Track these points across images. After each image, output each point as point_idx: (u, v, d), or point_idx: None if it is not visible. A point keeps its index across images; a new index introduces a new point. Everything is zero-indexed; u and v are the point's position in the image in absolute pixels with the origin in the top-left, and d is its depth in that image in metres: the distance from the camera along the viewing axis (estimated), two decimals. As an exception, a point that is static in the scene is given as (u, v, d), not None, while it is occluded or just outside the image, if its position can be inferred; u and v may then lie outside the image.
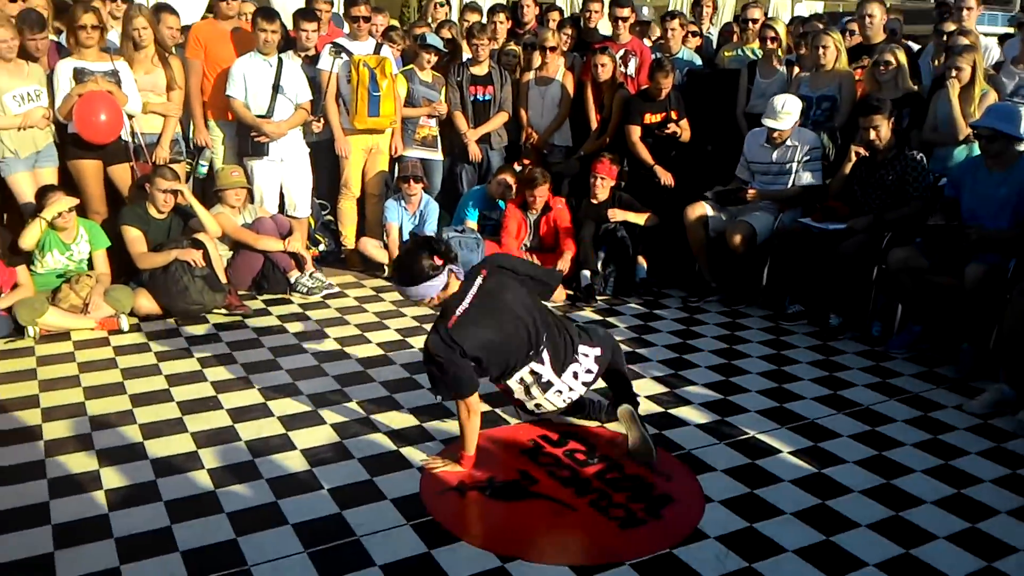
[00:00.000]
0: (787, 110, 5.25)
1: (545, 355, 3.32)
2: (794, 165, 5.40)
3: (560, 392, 3.40)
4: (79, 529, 2.81)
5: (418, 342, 4.68)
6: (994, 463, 3.49)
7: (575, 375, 3.41)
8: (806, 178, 5.40)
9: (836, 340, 4.94)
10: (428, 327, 4.95)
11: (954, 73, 5.04)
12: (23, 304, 4.53)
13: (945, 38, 5.81)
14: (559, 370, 3.36)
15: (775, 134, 5.33)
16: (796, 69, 6.05)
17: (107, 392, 3.92)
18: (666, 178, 5.93)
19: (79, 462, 3.26)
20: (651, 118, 5.99)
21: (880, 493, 3.21)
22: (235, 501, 3.01)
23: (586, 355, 3.43)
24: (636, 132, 5.99)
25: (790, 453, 3.52)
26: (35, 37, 5.06)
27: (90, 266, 4.95)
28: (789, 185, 5.44)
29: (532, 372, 3.32)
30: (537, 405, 3.45)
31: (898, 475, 3.35)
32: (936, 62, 5.99)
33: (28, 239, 4.65)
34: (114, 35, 5.55)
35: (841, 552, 2.82)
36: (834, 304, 5.07)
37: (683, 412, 3.90)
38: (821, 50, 5.61)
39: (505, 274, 3.35)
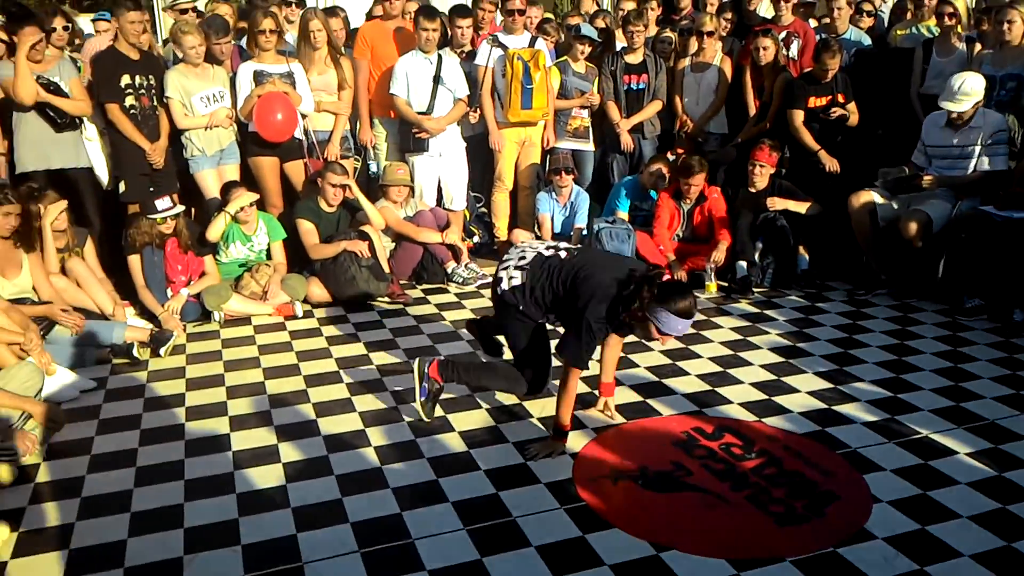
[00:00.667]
0: (966, 91, 4.88)
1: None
2: (977, 149, 5.01)
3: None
4: (260, 498, 3.05)
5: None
6: None
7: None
8: (989, 163, 5.01)
9: (1020, 337, 4.55)
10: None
11: None
12: (210, 291, 4.95)
13: None
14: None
15: (954, 116, 4.97)
16: (977, 47, 5.61)
17: (284, 373, 4.22)
18: (831, 164, 5.67)
19: (260, 437, 3.54)
20: (816, 102, 5.74)
21: (1073, 502, 2.95)
22: (399, 477, 3.17)
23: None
24: (799, 116, 5.76)
25: (967, 455, 3.29)
26: (220, 42, 5.52)
27: (268, 256, 5.33)
28: (970, 171, 5.06)
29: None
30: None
31: (1094, 484, 3.07)
32: None
33: (214, 231, 5.07)
34: (289, 38, 5.94)
35: (1026, 562, 2.62)
36: (1018, 298, 4.68)
37: (848, 409, 3.73)
38: (1006, 25, 5.18)
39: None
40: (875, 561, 2.63)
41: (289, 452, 3.39)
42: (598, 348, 3.47)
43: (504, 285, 3.47)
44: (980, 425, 3.55)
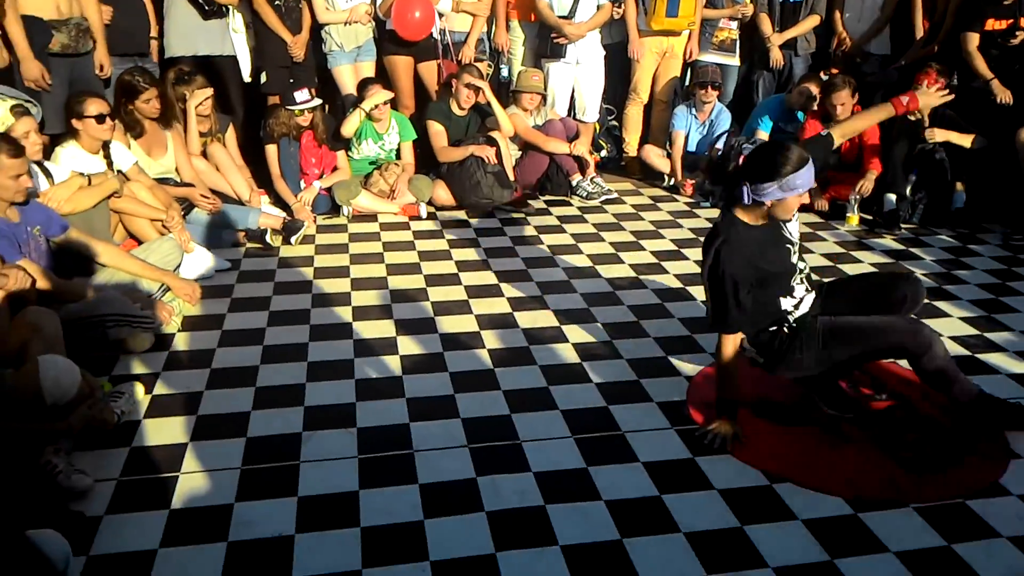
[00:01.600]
0: None
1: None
2: None
3: None
4: (377, 386, 3.14)
5: (692, 253, 4.57)
6: None
7: None
8: None
9: None
10: (702, 238, 4.86)
11: None
12: (341, 186, 5.06)
13: None
14: None
15: None
16: None
17: (406, 270, 4.29)
18: (1004, 95, 5.14)
19: (380, 328, 3.62)
20: (995, 24, 5.16)
21: None
22: (511, 381, 3.18)
23: None
24: (974, 40, 5.21)
25: None
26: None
27: (398, 156, 5.37)
28: None
29: None
30: None
31: None
32: None
33: (349, 127, 5.14)
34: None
35: None
36: None
37: (993, 358, 3.46)
38: None
39: None
40: (1007, 517, 2.45)
41: (407, 346, 3.46)
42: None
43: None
44: None
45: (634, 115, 6.17)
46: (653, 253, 4.63)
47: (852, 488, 2.57)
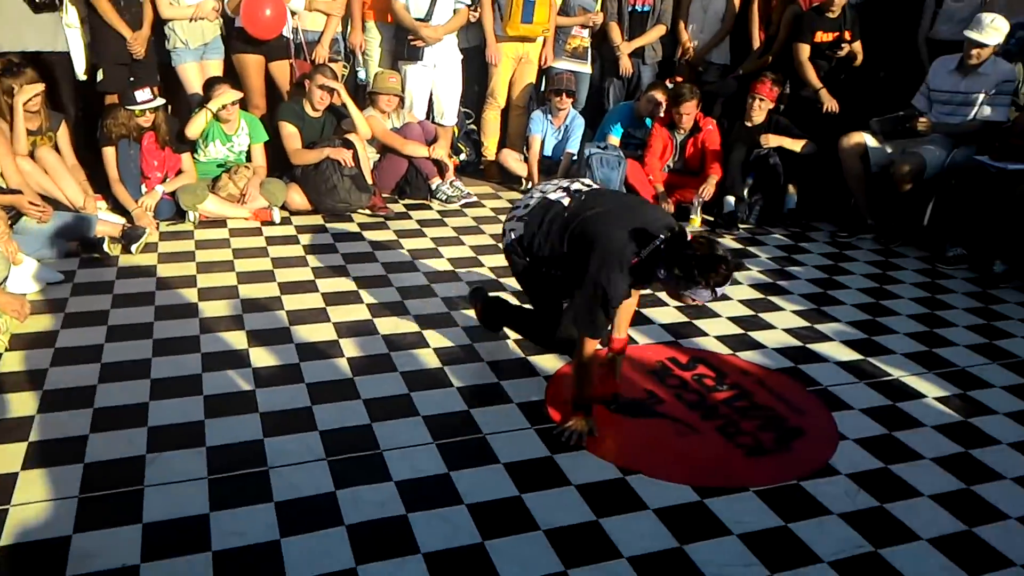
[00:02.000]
0: (996, 26, 4.75)
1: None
2: (981, 97, 4.92)
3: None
4: (228, 401, 3.01)
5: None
6: None
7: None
8: (990, 112, 4.92)
9: (998, 288, 4.57)
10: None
11: None
12: (186, 190, 4.83)
13: None
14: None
15: (974, 52, 4.81)
16: (993, -8, 5.46)
17: (258, 278, 4.15)
18: (831, 104, 5.56)
19: (231, 340, 3.49)
20: (823, 36, 5.58)
21: (1034, 451, 2.99)
22: (371, 389, 3.14)
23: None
24: (805, 51, 5.61)
25: (936, 399, 3.32)
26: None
27: (248, 158, 5.19)
28: (969, 118, 4.98)
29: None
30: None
31: (1058, 435, 3.11)
32: None
33: (194, 128, 4.91)
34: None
35: (982, 502, 2.66)
36: (1001, 250, 4.67)
37: (823, 348, 3.74)
38: (1021, -31, 5.02)
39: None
40: (837, 496, 2.66)
41: (260, 357, 3.35)
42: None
43: (507, 238, 3.17)
44: (951, 371, 3.57)
45: (492, 119, 6.24)
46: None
47: (696, 477, 2.72)
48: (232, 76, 5.41)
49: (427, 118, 5.94)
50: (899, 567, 2.34)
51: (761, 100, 5.46)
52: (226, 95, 4.92)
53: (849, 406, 3.22)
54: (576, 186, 3.11)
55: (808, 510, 2.58)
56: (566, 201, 3.03)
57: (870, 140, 5.19)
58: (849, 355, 3.68)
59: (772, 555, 2.37)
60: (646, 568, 2.29)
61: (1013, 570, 2.36)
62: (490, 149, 6.30)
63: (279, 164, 5.28)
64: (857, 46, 5.61)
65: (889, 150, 5.16)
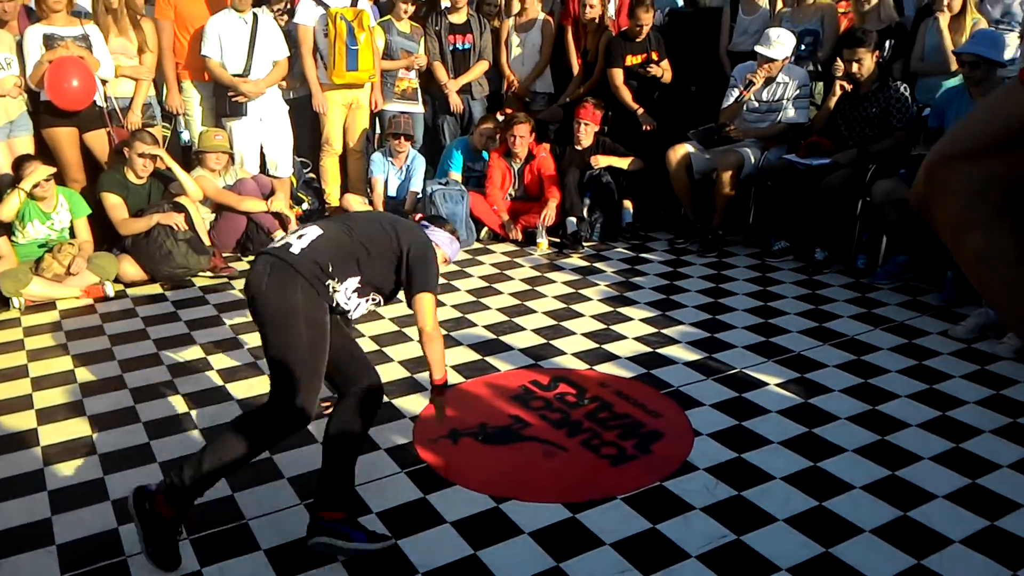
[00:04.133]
0: (781, 40, 5.19)
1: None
2: (784, 102, 5.36)
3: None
4: (75, 494, 2.83)
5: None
6: (978, 385, 3.54)
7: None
8: (792, 115, 5.37)
9: (822, 274, 4.97)
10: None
11: (945, 2, 4.96)
12: (6, 275, 4.50)
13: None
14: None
15: (765, 66, 5.23)
16: (779, 4, 5.97)
17: (96, 359, 3.92)
18: (649, 124, 5.89)
19: (72, 428, 3.28)
20: (632, 59, 5.92)
21: (865, 419, 3.26)
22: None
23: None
24: (619, 75, 5.92)
25: (777, 385, 3.56)
26: (3, 2, 4.96)
27: (72, 235, 4.91)
28: (777, 121, 5.41)
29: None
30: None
31: (883, 401, 3.40)
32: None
33: (7, 210, 4.60)
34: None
35: (828, 476, 2.87)
36: (819, 239, 5.09)
37: (671, 351, 3.93)
38: (801, -17, 5.54)
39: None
40: (697, 491, 2.80)
41: (106, 441, 3.16)
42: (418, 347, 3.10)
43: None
44: (788, 357, 3.84)
45: (330, 166, 6.19)
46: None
47: (567, 494, 2.79)
48: (44, 151, 5.12)
49: (261, 172, 5.83)
50: (761, 551, 2.49)
51: (586, 124, 5.71)
52: (38, 172, 4.64)
53: (700, 403, 3.41)
54: (301, 233, 2.70)
55: (673, 509, 2.70)
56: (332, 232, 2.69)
57: (692, 150, 5.54)
58: (695, 355, 3.89)
59: (644, 558, 2.46)
60: (527, 592, 2.32)
61: (864, 536, 2.56)
62: (332, 195, 6.25)
63: (108, 236, 5.02)
64: (665, 64, 5.98)
65: (707, 157, 5.52)
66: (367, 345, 4.01)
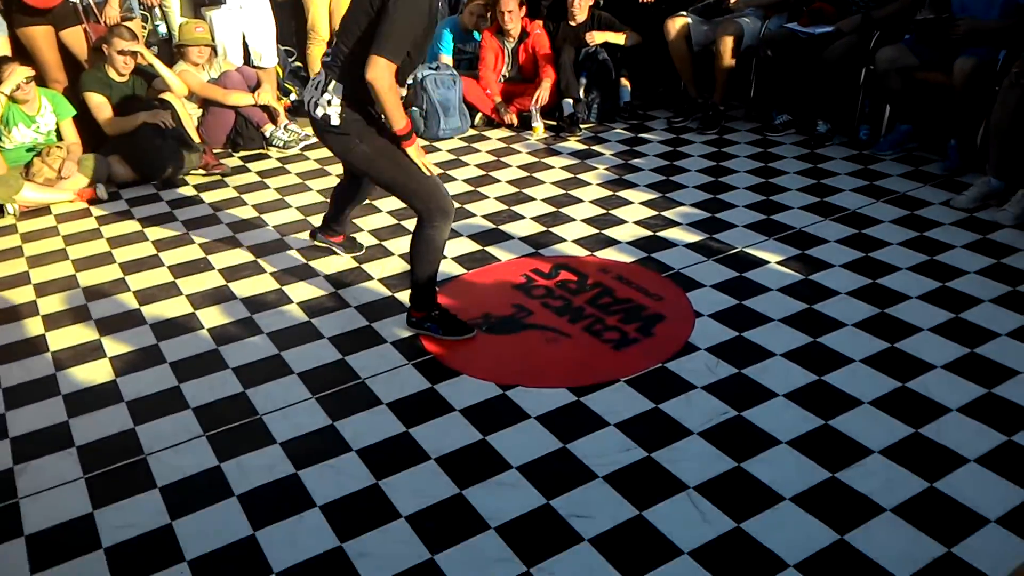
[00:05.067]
0: None
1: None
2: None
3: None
4: (89, 397, 2.88)
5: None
6: (979, 255, 3.54)
7: (316, 83, 2.94)
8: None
9: (824, 147, 4.89)
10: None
11: None
12: (-3, 182, 4.45)
13: None
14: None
15: None
16: None
17: (96, 263, 3.92)
18: (647, -7, 5.66)
19: (79, 333, 3.31)
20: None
21: (866, 293, 3.28)
22: (238, 356, 3.08)
23: (332, 90, 2.85)
24: (612, -57, 5.65)
25: (778, 263, 3.56)
26: None
27: (59, 137, 4.81)
28: (776, -12, 5.20)
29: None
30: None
31: (884, 274, 3.42)
32: None
33: (-11, 115, 4.49)
34: None
35: (827, 351, 2.91)
36: (822, 111, 4.98)
37: (671, 233, 3.92)
38: None
39: None
40: (699, 370, 2.85)
41: (114, 345, 3.20)
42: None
43: (319, 112, 2.88)
44: (789, 234, 3.83)
45: (317, 54, 5.99)
46: (361, 193, 4.61)
47: (571, 379, 2.84)
48: (21, 52, 4.94)
49: (245, 64, 5.65)
50: (761, 425, 2.56)
51: (581, -3, 5.49)
52: (16, 73, 4.49)
53: (701, 284, 3.42)
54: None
55: (675, 388, 2.75)
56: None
57: (691, 21, 5.34)
58: (696, 236, 3.87)
59: (647, 437, 2.53)
60: (535, 473, 2.40)
61: (862, 407, 2.62)
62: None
63: (94, 138, 4.92)
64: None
65: (706, 28, 5.33)
66: (367, 239, 4.00)
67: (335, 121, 2.87)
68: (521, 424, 2.62)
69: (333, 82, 2.86)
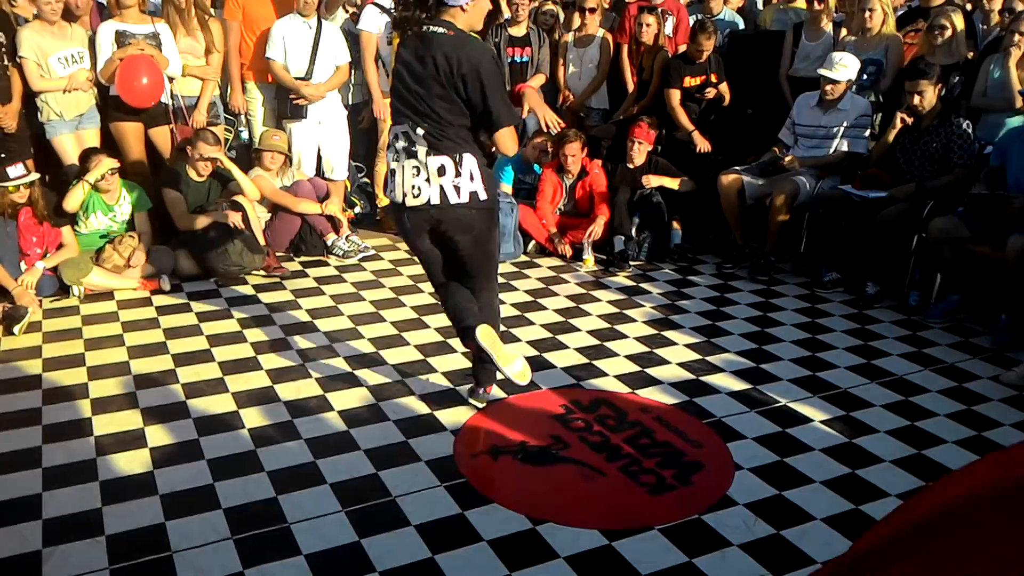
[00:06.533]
0: (844, 63, 5.15)
1: (420, 130, 3.02)
2: (841, 130, 5.30)
3: (417, 170, 3.03)
4: (126, 486, 2.92)
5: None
6: (1029, 436, 3.46)
7: (442, 169, 3.02)
8: (850, 144, 5.31)
9: (872, 309, 4.89)
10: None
11: (1016, 39, 4.86)
12: (68, 264, 4.66)
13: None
14: (429, 149, 3.02)
15: (828, 88, 5.18)
16: (843, 31, 5.91)
17: (150, 351, 4.04)
18: (703, 145, 5.87)
19: (124, 420, 3.38)
20: (691, 81, 5.90)
21: (911, 463, 3.21)
22: (275, 460, 3.10)
23: (468, 167, 3.03)
24: (676, 96, 5.92)
25: (821, 422, 3.52)
26: (76, -3, 5.14)
27: (132, 227, 5.05)
28: (831, 151, 5.35)
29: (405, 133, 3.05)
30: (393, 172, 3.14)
31: (929, 446, 3.35)
32: (985, 25, 5.82)
33: (72, 201, 4.76)
34: (155, -3, 5.61)
35: (870, 520, 2.83)
36: (872, 272, 5.01)
37: (715, 380, 3.92)
38: (868, 12, 5.49)
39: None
40: (736, 527, 2.78)
41: (157, 435, 3.26)
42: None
43: (464, 191, 3.03)
44: (834, 394, 3.80)
45: (384, 171, 6.26)
46: (413, 308, 4.72)
47: (604, 520, 2.80)
48: (111, 144, 5.28)
49: (317, 175, 5.93)
50: (797, 590, 2.48)
51: (640, 143, 5.71)
52: (103, 164, 4.80)
53: (742, 435, 3.39)
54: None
55: (710, 543, 2.69)
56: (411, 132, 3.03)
57: (747, 176, 5.49)
58: (739, 385, 3.86)
59: (680, 592, 2.46)
60: (561, 618, 2.34)
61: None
62: (384, 200, 6.32)
63: (166, 231, 5.16)
64: (724, 88, 5.96)
65: (761, 183, 5.47)
66: (411, 354, 4.06)
67: (484, 196, 3.05)
68: (549, 564, 2.57)
69: (466, 155, 3.01)
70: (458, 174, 3.01)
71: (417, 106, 3.01)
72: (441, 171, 3.02)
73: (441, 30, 2.98)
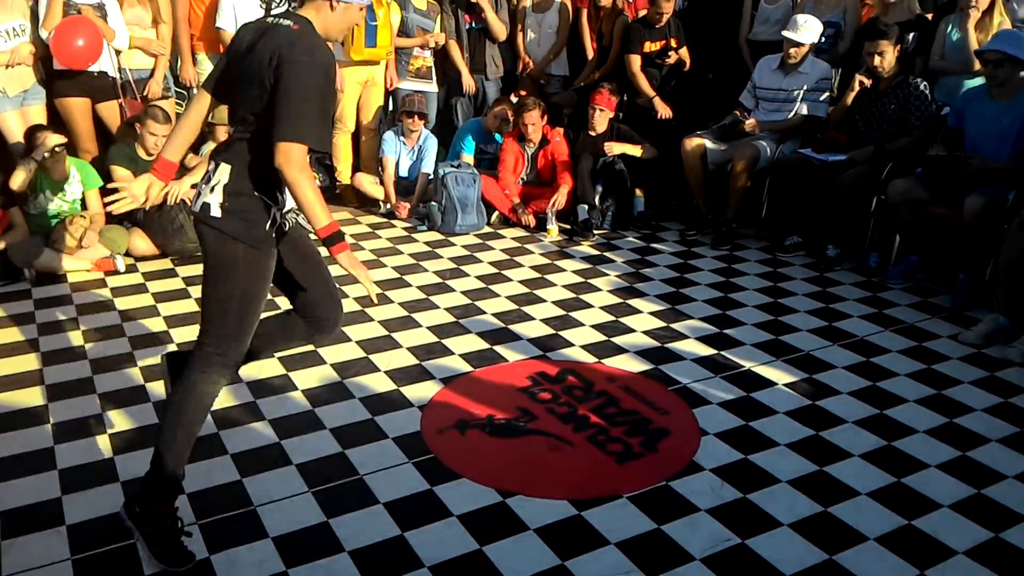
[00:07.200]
0: (808, 26, 5.14)
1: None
2: (801, 93, 5.30)
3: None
4: (85, 473, 2.85)
5: (417, 280, 4.68)
6: (987, 392, 3.53)
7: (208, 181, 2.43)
8: (809, 108, 5.32)
9: (833, 271, 4.94)
10: (427, 265, 4.95)
11: (974, 1, 4.87)
12: (17, 246, 4.51)
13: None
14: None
15: (792, 51, 5.17)
16: (802, -7, 5.89)
17: (106, 334, 3.94)
18: (664, 111, 5.84)
19: (82, 406, 3.29)
20: (651, 46, 5.86)
21: (873, 423, 3.26)
22: (239, 442, 3.05)
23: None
24: (636, 62, 5.87)
25: (785, 385, 3.56)
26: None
27: (83, 206, 4.90)
28: (791, 115, 5.36)
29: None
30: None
31: (891, 405, 3.40)
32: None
33: (18, 180, 4.59)
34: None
35: (834, 481, 2.87)
36: (832, 235, 5.06)
37: (680, 346, 3.93)
38: (824, -25, 5.46)
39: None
40: (703, 492, 2.81)
41: (117, 421, 3.18)
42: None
43: (199, 200, 2.43)
44: (797, 357, 3.84)
45: (342, 144, 6.16)
46: (376, 283, 4.65)
47: (573, 490, 2.80)
48: (57, 121, 5.10)
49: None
50: (765, 555, 2.50)
51: (601, 110, 5.67)
52: (49, 140, 4.63)
53: (707, 401, 3.41)
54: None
55: (678, 509, 2.71)
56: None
57: (708, 142, 5.48)
58: (705, 350, 3.88)
59: (648, 559, 2.47)
60: (532, 590, 2.35)
61: (868, 544, 2.57)
62: (344, 174, 6.22)
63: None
64: (684, 52, 5.92)
65: (723, 148, 5.47)
66: (375, 330, 4.02)
67: (215, 212, 2.39)
68: (520, 536, 2.57)
69: (222, 165, 2.40)
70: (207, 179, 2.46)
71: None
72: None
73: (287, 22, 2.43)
